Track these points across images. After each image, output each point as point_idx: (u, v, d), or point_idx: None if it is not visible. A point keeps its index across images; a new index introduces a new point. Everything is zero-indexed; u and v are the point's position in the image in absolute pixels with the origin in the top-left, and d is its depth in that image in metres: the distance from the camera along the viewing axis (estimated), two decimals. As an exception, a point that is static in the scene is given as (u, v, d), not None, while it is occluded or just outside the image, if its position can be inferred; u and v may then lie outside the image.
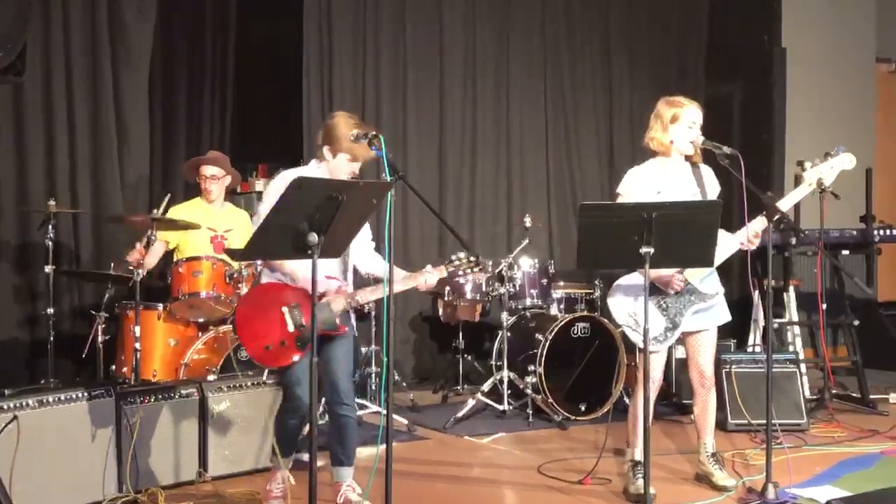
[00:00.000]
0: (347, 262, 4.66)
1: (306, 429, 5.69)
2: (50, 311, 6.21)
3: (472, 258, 4.62)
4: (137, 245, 6.10)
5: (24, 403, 4.43)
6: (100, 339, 6.20)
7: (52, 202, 6.23)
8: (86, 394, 4.70)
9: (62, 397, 4.60)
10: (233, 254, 5.90)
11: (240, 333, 4.59)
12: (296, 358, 4.47)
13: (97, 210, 7.18)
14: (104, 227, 7.21)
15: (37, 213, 6.57)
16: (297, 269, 4.46)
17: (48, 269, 6.18)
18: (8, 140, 6.93)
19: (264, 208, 4.51)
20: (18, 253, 6.97)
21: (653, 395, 4.87)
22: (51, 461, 4.50)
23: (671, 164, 5.00)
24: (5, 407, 4.36)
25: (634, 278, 4.85)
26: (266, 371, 5.42)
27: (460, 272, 4.63)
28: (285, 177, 4.52)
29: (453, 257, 4.64)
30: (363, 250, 4.74)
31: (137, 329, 5.91)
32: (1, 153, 6.90)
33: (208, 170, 6.55)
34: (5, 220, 6.93)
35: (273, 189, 4.52)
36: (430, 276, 4.57)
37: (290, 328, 4.47)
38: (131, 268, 5.91)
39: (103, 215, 7.15)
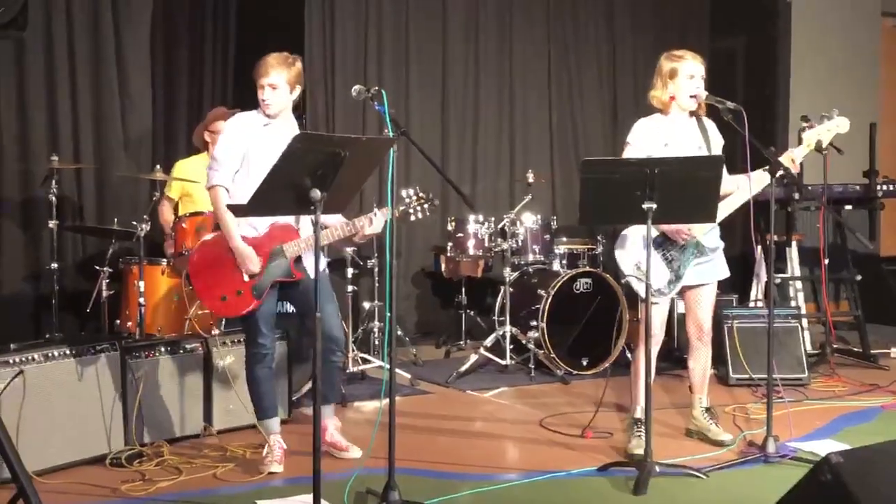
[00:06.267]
0: None
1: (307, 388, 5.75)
2: (54, 266, 6.22)
3: (420, 194, 4.66)
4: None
5: (29, 358, 4.44)
6: (104, 294, 6.21)
7: (54, 158, 6.20)
8: (91, 348, 4.72)
9: (67, 351, 4.61)
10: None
11: (195, 285, 4.62)
12: (252, 306, 4.53)
13: (100, 165, 7.17)
14: (108, 181, 7.21)
15: (40, 168, 6.56)
16: (231, 222, 4.55)
17: (52, 224, 6.18)
18: (10, 96, 6.89)
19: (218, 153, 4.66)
20: (22, 209, 6.96)
21: (654, 351, 4.88)
22: (56, 415, 4.52)
23: (675, 118, 4.98)
24: (11, 361, 4.37)
25: (642, 229, 4.82)
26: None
27: (411, 210, 4.66)
28: (235, 121, 4.79)
29: (403, 194, 4.66)
30: None
31: (142, 284, 5.93)
32: (3, 109, 6.86)
33: (219, 125, 6.47)
34: (8, 176, 6.91)
35: (226, 135, 4.69)
36: (377, 219, 4.56)
37: (246, 277, 4.52)
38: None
39: (106, 171, 7.15)
